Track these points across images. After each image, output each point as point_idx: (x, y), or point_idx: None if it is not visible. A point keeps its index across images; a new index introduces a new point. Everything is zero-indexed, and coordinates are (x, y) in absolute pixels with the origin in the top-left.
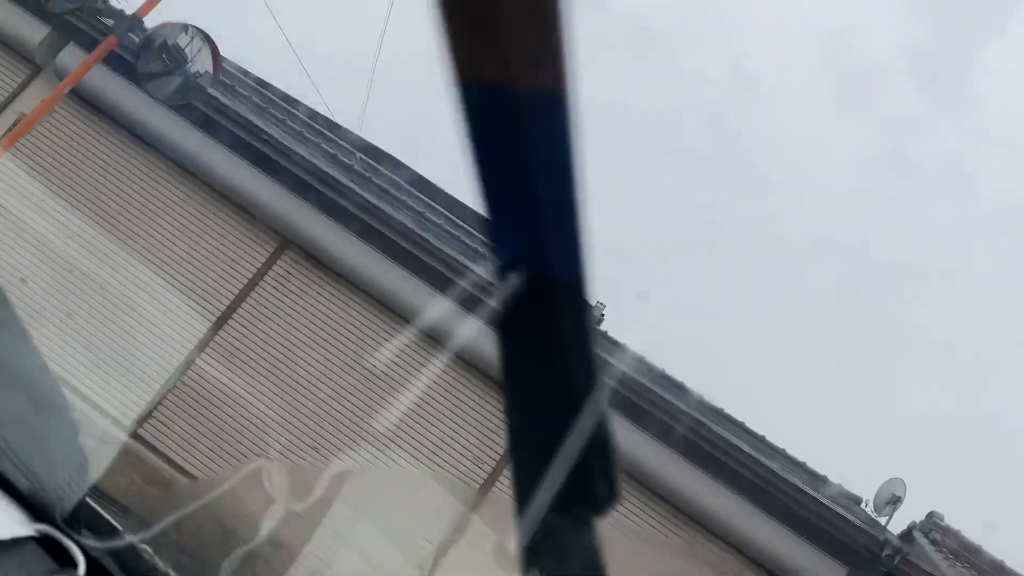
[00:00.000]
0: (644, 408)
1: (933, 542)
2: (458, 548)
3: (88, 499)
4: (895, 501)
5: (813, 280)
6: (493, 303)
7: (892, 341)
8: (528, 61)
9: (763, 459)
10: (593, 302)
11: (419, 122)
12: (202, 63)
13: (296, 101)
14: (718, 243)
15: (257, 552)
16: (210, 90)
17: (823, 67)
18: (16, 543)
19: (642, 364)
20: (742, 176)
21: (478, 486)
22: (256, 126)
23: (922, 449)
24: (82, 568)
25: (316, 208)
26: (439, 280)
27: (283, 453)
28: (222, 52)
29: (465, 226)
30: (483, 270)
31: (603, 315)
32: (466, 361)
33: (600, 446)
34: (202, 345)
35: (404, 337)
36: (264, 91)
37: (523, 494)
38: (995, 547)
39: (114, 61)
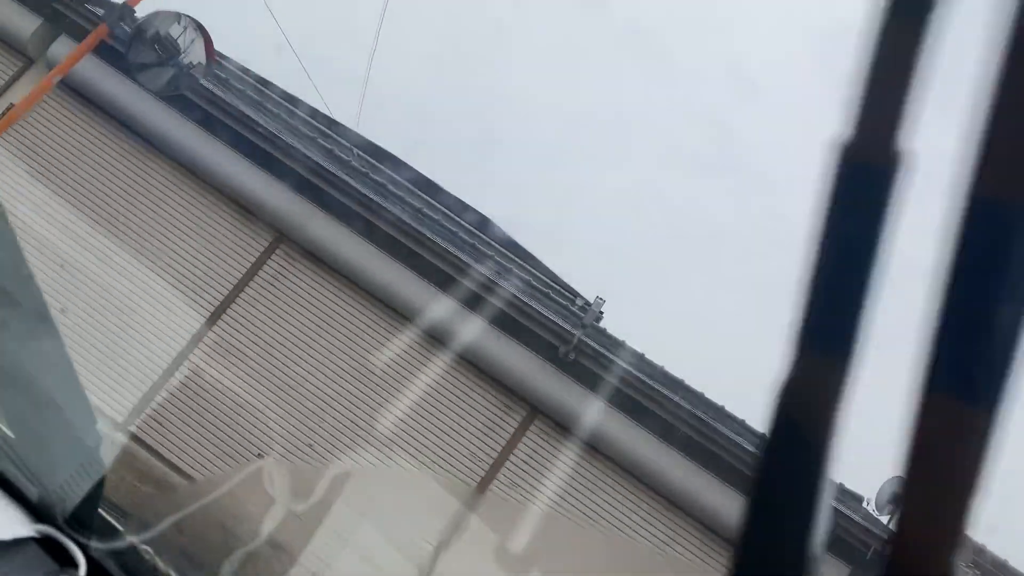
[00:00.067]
0: (644, 405)
1: None
2: (456, 547)
3: (89, 499)
4: (897, 500)
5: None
6: None
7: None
8: None
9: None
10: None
11: (420, 123)
12: (195, 54)
13: (296, 99)
14: (718, 243)
15: (257, 552)
16: (203, 81)
17: (823, 67)
18: (17, 543)
19: (642, 361)
20: (741, 177)
21: (475, 484)
22: (250, 119)
23: None
24: (83, 569)
25: (311, 202)
26: (436, 276)
27: (277, 449)
28: (224, 53)
29: (465, 224)
30: (483, 269)
31: (602, 312)
32: (462, 357)
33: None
34: (196, 340)
35: (400, 332)
36: (264, 89)
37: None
38: (997, 547)
39: (106, 52)
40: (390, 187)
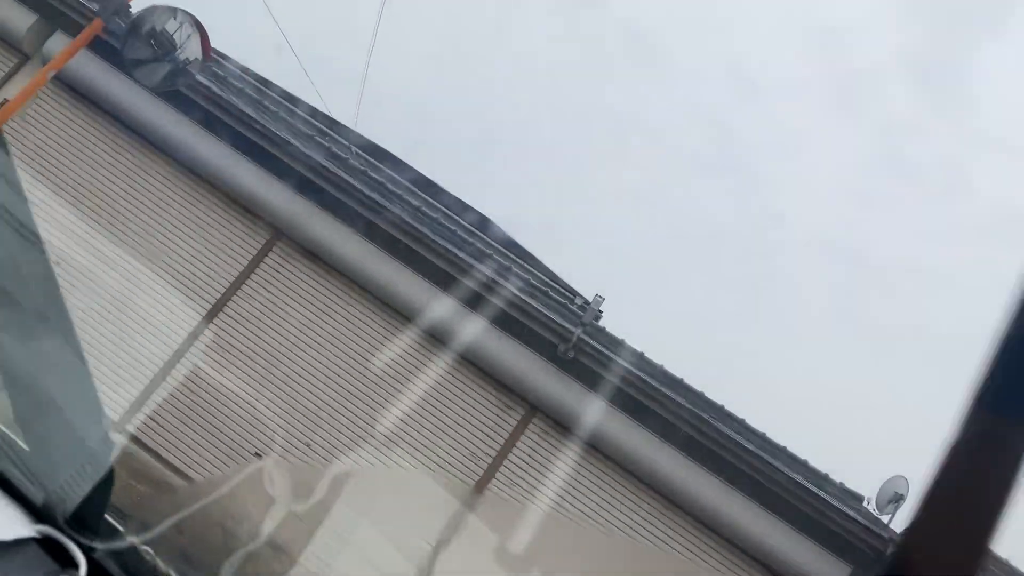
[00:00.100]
0: (645, 405)
1: None
2: (455, 546)
3: (90, 500)
4: (898, 499)
5: (813, 279)
6: None
7: (891, 339)
8: None
9: (766, 456)
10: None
11: (420, 122)
12: (191, 50)
13: (296, 99)
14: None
15: (257, 553)
16: (199, 77)
17: (822, 67)
18: (18, 544)
19: (642, 360)
20: (741, 177)
21: (474, 483)
22: (247, 115)
23: (924, 447)
24: (83, 569)
25: (309, 200)
26: (436, 275)
27: (275, 447)
28: (224, 52)
29: (465, 224)
30: (483, 268)
31: (601, 311)
32: (461, 356)
33: None
34: (193, 338)
35: (399, 331)
36: (264, 88)
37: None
38: (999, 546)
39: (102, 48)
40: (389, 186)
